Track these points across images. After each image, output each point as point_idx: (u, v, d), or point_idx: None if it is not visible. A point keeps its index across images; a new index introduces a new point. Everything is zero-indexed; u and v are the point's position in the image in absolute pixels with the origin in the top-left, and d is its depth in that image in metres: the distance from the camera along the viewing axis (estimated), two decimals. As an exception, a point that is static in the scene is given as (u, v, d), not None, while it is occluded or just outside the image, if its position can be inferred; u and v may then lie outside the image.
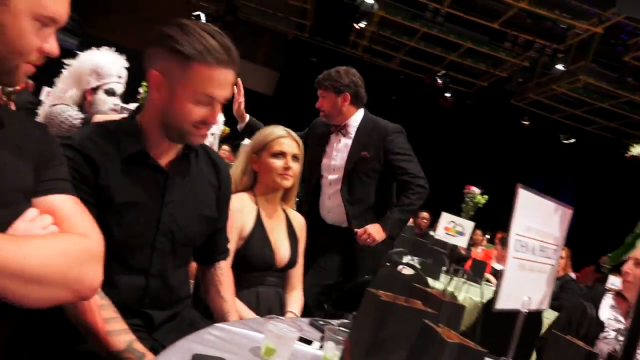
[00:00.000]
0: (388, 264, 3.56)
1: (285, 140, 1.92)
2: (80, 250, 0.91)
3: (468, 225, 4.41)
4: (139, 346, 1.21)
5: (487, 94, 11.17)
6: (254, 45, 11.02)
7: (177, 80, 1.24)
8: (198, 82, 1.24)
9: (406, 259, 3.77)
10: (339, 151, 2.82)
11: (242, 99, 2.74)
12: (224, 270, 1.65)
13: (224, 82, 1.27)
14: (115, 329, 1.19)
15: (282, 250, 1.93)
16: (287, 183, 1.92)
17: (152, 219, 1.32)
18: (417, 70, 11.20)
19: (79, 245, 0.92)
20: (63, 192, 0.98)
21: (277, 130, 1.95)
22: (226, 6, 10.01)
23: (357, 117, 2.81)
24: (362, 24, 8.85)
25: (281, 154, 1.91)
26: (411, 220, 7.32)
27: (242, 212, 1.86)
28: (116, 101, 2.55)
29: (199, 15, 9.97)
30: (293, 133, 1.97)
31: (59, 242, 0.89)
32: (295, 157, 1.93)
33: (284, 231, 1.98)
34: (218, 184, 1.51)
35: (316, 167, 2.85)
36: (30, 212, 0.91)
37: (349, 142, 2.78)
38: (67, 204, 0.98)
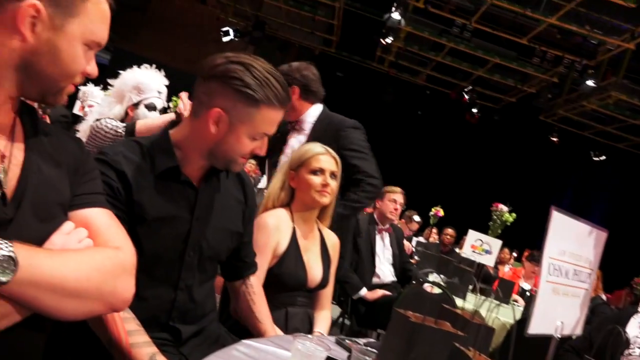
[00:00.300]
0: (414, 282, 3.53)
1: (323, 157, 1.92)
2: (114, 263, 0.93)
3: (495, 243, 4.33)
4: (162, 359, 1.21)
5: (515, 110, 11.05)
6: (281, 60, 11.15)
7: (240, 119, 1.30)
8: (260, 122, 1.31)
9: (432, 277, 3.72)
10: (293, 148, 2.71)
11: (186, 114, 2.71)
12: (255, 288, 1.64)
13: (279, 120, 1.36)
14: (138, 341, 1.20)
15: (314, 270, 1.92)
16: (325, 200, 1.91)
17: (181, 234, 1.34)
18: (443, 86, 11.16)
19: (113, 258, 0.94)
20: (97, 206, 1.01)
21: (315, 147, 1.95)
22: (254, 22, 10.17)
23: (312, 113, 2.68)
24: (389, 40, 8.87)
25: (319, 171, 1.90)
26: (436, 237, 7.25)
27: (278, 230, 1.85)
28: (156, 115, 2.62)
29: (228, 31, 10.15)
30: (331, 150, 1.96)
31: (94, 256, 0.92)
32: (333, 175, 1.93)
33: (317, 251, 1.97)
34: (244, 200, 1.53)
35: (276, 166, 2.77)
36: (67, 226, 0.93)
37: (303, 138, 2.66)
38: (102, 217, 1.00)
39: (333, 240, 2.07)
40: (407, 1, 8.20)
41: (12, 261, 0.78)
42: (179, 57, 10.17)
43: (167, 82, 2.75)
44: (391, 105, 11.19)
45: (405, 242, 4.86)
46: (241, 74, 1.27)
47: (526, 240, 8.64)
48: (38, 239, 0.87)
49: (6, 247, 0.78)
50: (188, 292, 1.38)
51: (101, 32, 0.96)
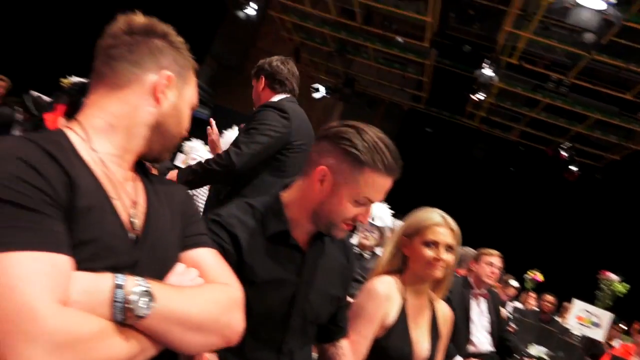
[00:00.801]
0: (515, 355, 3.27)
1: (440, 229, 1.79)
2: (227, 298, 0.99)
3: (605, 316, 3.94)
4: None
5: (619, 168, 10.34)
6: (369, 116, 11.31)
7: (344, 180, 1.29)
8: (363, 186, 1.28)
9: (534, 349, 3.44)
10: None
11: (214, 137, 2.64)
12: (345, 350, 1.59)
13: (385, 188, 1.31)
14: None
15: (421, 346, 1.82)
16: (438, 274, 1.79)
17: (287, 297, 1.35)
18: (538, 142, 10.73)
19: (226, 293, 0.99)
20: (204, 246, 1.08)
21: (434, 215, 1.83)
22: (345, 79, 10.46)
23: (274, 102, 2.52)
24: (480, 96, 8.74)
25: (433, 244, 1.78)
26: (534, 303, 6.77)
27: (388, 300, 1.77)
28: None
29: (318, 88, 10.52)
30: (450, 220, 1.84)
31: (211, 292, 0.98)
32: (449, 248, 1.80)
33: (426, 327, 1.87)
34: (346, 264, 1.52)
35: None
36: (179, 267, 1.01)
37: None
38: (209, 257, 1.07)
39: (445, 313, 1.95)
40: (500, 57, 8.09)
41: (150, 296, 0.84)
42: (272, 112, 10.60)
43: None
44: (482, 161, 10.89)
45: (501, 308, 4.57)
46: (351, 135, 1.28)
47: (635, 312, 7.86)
48: (156, 279, 0.93)
49: (143, 283, 0.85)
50: (290, 357, 1.37)
51: (197, 96, 1.11)
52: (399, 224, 3.78)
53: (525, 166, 10.86)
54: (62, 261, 0.78)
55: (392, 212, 3.85)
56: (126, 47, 0.98)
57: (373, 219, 3.64)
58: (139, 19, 1.01)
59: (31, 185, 0.79)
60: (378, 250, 3.47)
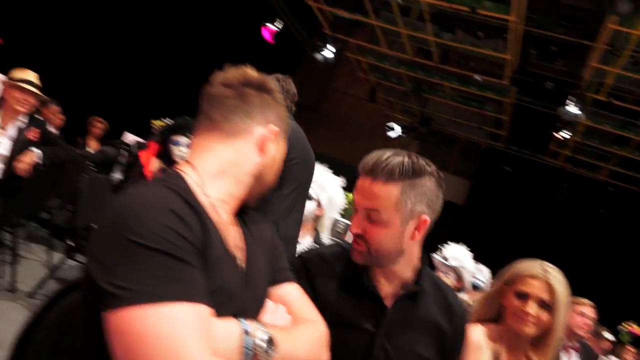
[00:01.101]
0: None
1: (535, 281, 1.67)
2: (319, 335, 1.03)
3: None
4: None
5: None
6: (446, 154, 11.10)
7: None
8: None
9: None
10: None
11: None
12: None
13: (362, 189, 1.28)
14: None
15: None
16: (526, 329, 1.66)
17: (362, 346, 1.29)
18: (630, 182, 10.00)
19: (317, 331, 1.04)
20: (288, 281, 1.11)
21: (534, 266, 1.71)
22: (421, 118, 10.39)
23: None
24: (565, 134, 8.33)
25: (524, 295, 1.67)
26: (633, 358, 6.18)
27: (478, 350, 1.67)
28: (313, 205, 2.73)
29: (393, 127, 10.51)
30: (553, 275, 1.68)
31: (307, 331, 1.02)
32: (543, 303, 1.66)
33: None
34: (448, 330, 1.40)
35: None
36: (269, 304, 1.04)
37: None
38: (294, 293, 1.10)
39: None
40: (586, 94, 7.72)
41: (272, 342, 0.89)
42: (347, 151, 10.72)
43: (332, 179, 2.88)
44: (567, 202, 10.29)
45: (593, 363, 4.19)
46: None
47: None
48: (254, 317, 0.97)
49: (264, 329, 0.89)
50: None
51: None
52: (482, 268, 3.62)
53: (616, 208, 10.12)
54: (207, 311, 0.83)
55: (472, 254, 3.68)
56: (241, 98, 1.03)
57: (446, 259, 3.49)
58: (253, 73, 1.07)
59: (180, 235, 0.83)
60: (461, 296, 3.31)
